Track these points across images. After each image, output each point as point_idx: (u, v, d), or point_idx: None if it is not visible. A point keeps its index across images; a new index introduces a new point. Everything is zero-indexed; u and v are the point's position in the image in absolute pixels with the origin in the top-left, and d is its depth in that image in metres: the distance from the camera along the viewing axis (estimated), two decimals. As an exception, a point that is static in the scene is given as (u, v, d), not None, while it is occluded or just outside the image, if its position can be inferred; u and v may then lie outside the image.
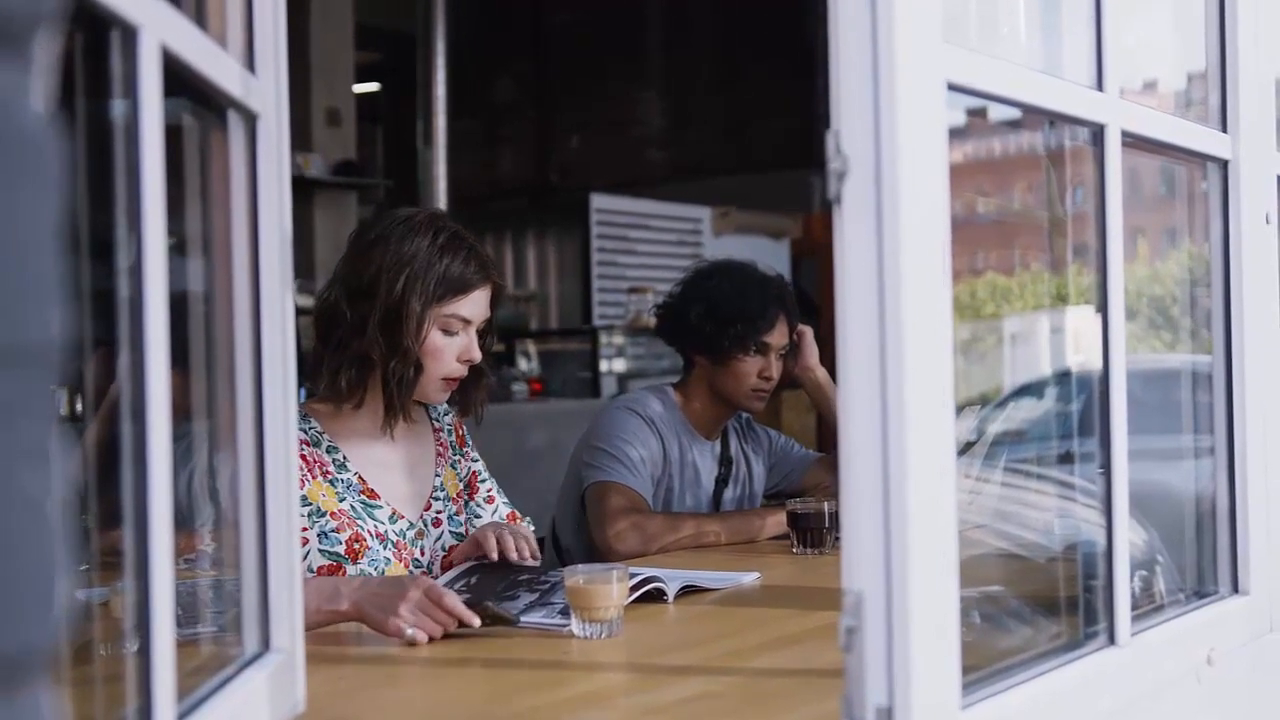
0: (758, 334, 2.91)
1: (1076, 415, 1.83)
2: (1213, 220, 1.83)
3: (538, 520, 3.09)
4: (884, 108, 1.14)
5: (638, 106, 9.66)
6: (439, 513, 2.35)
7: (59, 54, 0.63)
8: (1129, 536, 1.53)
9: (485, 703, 1.63)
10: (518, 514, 2.48)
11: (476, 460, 2.48)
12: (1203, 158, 1.82)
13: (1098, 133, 1.52)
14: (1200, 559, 1.87)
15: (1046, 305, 2.02)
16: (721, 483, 3.06)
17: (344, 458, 2.25)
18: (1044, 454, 2.13)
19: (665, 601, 2.11)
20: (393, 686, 1.73)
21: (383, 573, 2.20)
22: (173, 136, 1.03)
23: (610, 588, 1.85)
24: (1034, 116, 1.60)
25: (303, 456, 2.18)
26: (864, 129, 1.15)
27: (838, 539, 2.62)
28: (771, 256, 6.95)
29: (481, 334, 2.30)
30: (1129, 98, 1.57)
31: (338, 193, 7.52)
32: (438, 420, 2.43)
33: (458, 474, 2.43)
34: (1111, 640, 1.51)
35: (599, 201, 7.86)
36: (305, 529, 2.14)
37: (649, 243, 7.97)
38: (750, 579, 2.33)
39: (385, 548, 2.23)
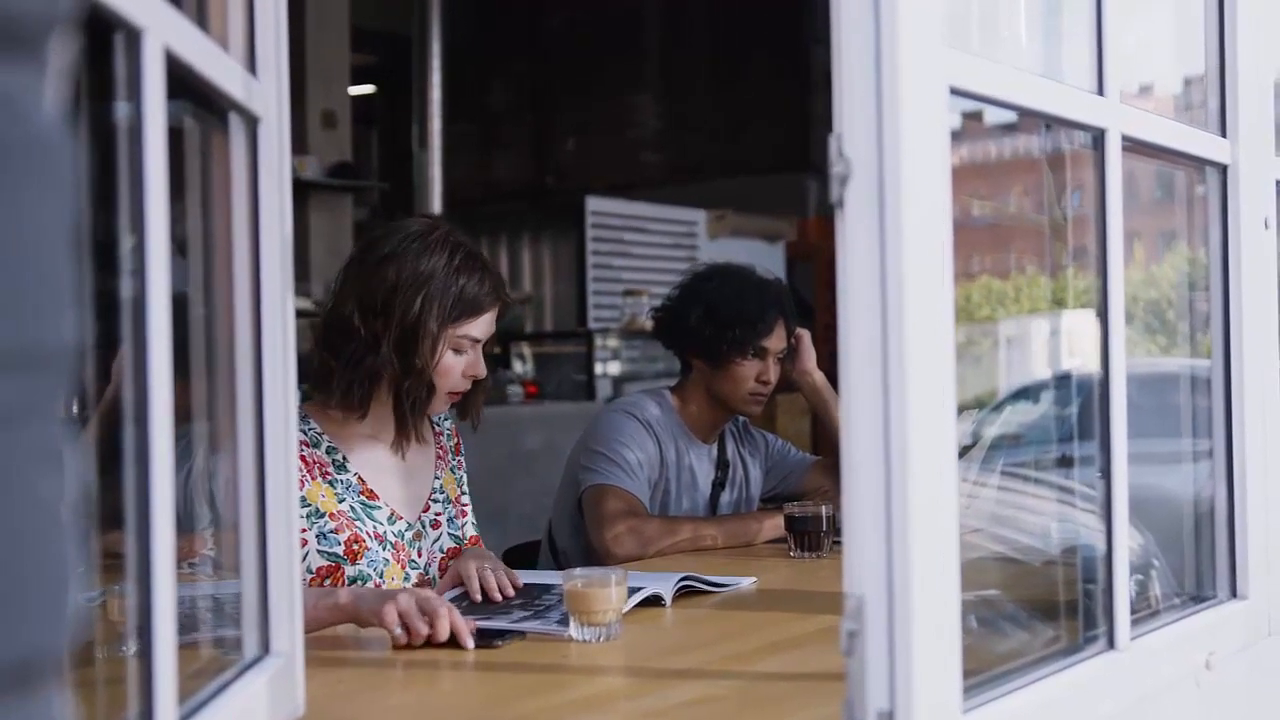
0: (756, 338, 2.91)
1: (1073, 419, 1.83)
2: (1212, 225, 1.84)
3: (533, 523, 3.09)
4: (887, 111, 1.14)
5: (634, 109, 9.66)
6: (438, 514, 2.36)
7: (73, 57, 0.63)
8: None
9: (483, 707, 1.63)
10: (480, 538, 2.47)
11: (464, 472, 2.49)
12: (1202, 162, 1.82)
13: (1098, 137, 1.52)
14: (1199, 563, 1.87)
15: (1042, 309, 2.02)
16: (718, 486, 3.05)
17: (343, 458, 2.25)
18: (1041, 458, 2.13)
19: (663, 604, 2.11)
20: (391, 691, 1.73)
21: (381, 573, 2.21)
22: (174, 139, 1.03)
23: (609, 591, 1.85)
24: (1029, 120, 1.60)
25: (302, 457, 2.18)
26: (866, 133, 1.15)
27: (835, 543, 2.62)
28: (766, 260, 6.94)
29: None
30: (1128, 101, 1.57)
31: (333, 195, 7.51)
32: (438, 424, 2.44)
33: (456, 478, 2.44)
34: (1111, 644, 1.51)
35: (594, 204, 7.86)
36: (304, 530, 2.15)
37: (644, 245, 7.97)
38: (747, 584, 2.33)
39: (384, 549, 2.23)
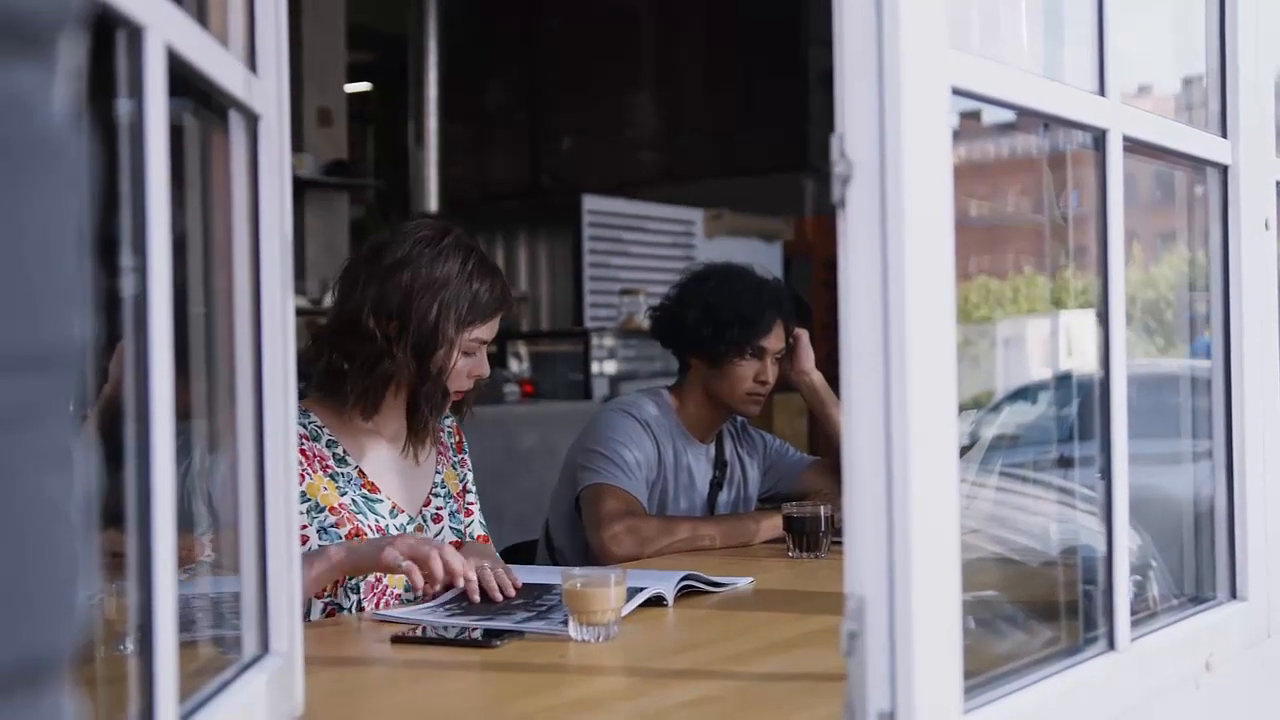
0: (755, 338, 2.91)
1: (1072, 420, 1.83)
2: (1212, 225, 1.84)
3: (530, 522, 3.08)
4: (889, 111, 1.14)
5: (631, 109, 9.66)
6: (439, 509, 2.38)
7: (82, 55, 0.63)
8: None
9: (483, 706, 1.63)
10: (488, 536, 2.49)
11: (470, 470, 2.50)
12: (1203, 163, 1.82)
13: (1099, 137, 1.52)
14: (1199, 564, 1.87)
15: (1040, 309, 2.02)
16: (716, 486, 3.05)
17: (344, 452, 2.26)
18: (1040, 459, 2.13)
19: (664, 604, 2.10)
20: (391, 690, 1.73)
21: None
22: (174, 137, 1.02)
23: (608, 591, 1.84)
24: (1027, 120, 1.60)
25: (302, 451, 2.19)
26: (869, 133, 1.15)
27: (833, 543, 2.62)
28: (764, 259, 6.94)
29: None
30: (1128, 102, 1.57)
31: (329, 193, 7.51)
32: (439, 420, 2.44)
33: (457, 475, 2.45)
34: (1111, 645, 1.51)
35: (591, 203, 7.85)
36: (304, 526, 2.15)
37: (641, 245, 7.96)
38: (744, 583, 2.33)
39: (386, 542, 2.24)
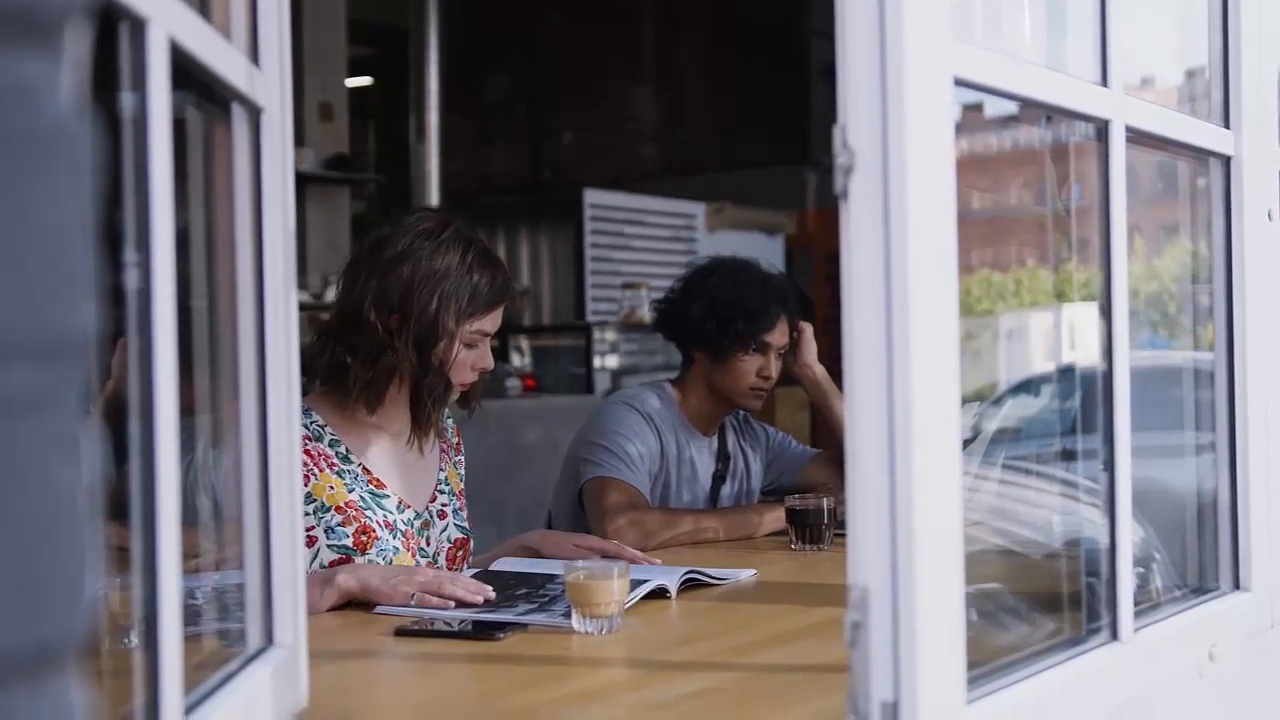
0: (758, 333, 2.91)
1: (1075, 412, 1.83)
2: (1215, 216, 1.83)
3: (532, 517, 3.08)
4: (891, 102, 1.14)
5: (632, 102, 9.66)
6: (444, 505, 2.38)
7: (89, 47, 0.63)
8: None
9: (486, 698, 1.63)
10: (469, 539, 2.48)
11: (463, 471, 2.51)
12: (1206, 154, 1.82)
13: (1102, 128, 1.52)
14: (1202, 555, 1.87)
15: (1042, 302, 2.02)
16: (719, 479, 3.05)
17: (347, 450, 2.26)
18: (1042, 451, 2.13)
19: (668, 596, 2.11)
20: (395, 681, 1.73)
21: (391, 561, 2.23)
22: (177, 130, 1.02)
23: (611, 584, 1.85)
24: (1029, 112, 1.60)
25: (306, 452, 2.19)
26: (871, 124, 1.15)
27: (836, 535, 2.62)
28: (765, 253, 6.95)
29: None
30: (1131, 93, 1.57)
31: (330, 188, 7.51)
32: (441, 415, 2.44)
33: (458, 474, 2.45)
34: (1114, 636, 1.51)
35: (593, 197, 7.85)
36: (311, 527, 2.16)
37: (643, 238, 7.96)
38: (747, 575, 2.33)
39: (394, 537, 2.25)
